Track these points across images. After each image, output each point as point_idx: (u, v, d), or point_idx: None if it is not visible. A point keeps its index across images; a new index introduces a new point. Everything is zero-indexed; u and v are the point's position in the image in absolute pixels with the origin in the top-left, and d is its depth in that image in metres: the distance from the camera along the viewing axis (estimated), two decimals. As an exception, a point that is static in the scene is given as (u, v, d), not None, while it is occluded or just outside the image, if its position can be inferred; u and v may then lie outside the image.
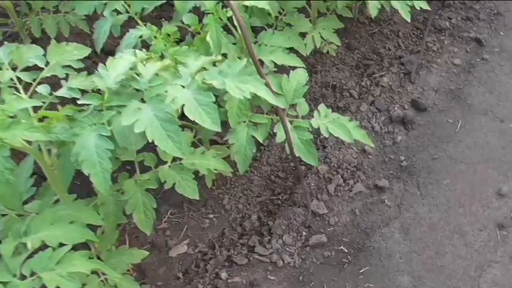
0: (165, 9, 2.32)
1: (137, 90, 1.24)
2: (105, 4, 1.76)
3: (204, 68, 1.25)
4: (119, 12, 1.74)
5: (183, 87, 1.15)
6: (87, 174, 1.13)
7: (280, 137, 1.56)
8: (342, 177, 1.99)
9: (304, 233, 1.82)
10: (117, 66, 1.29)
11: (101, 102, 1.25)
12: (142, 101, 1.17)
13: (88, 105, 1.28)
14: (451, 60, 2.49)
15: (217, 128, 1.11)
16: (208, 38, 1.44)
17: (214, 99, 1.11)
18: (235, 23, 1.48)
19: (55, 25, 2.26)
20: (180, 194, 1.91)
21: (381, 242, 1.82)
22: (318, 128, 1.59)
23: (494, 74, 2.45)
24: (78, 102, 1.29)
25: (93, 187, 1.53)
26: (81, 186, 1.88)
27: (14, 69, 1.43)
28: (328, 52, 2.39)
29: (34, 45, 1.53)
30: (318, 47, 2.29)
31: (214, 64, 1.32)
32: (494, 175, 2.02)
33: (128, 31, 1.66)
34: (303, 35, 2.13)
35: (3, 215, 1.35)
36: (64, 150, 1.24)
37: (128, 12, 1.75)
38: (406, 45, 2.59)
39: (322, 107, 1.66)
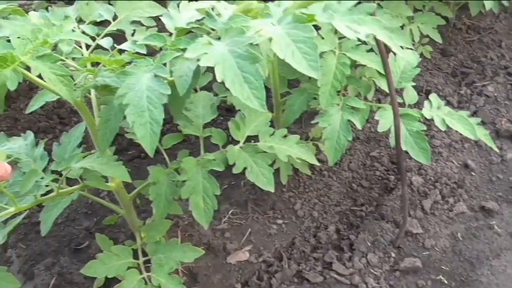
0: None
1: (213, 30, 0.97)
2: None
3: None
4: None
5: (273, 25, 0.85)
6: (130, 124, 0.84)
7: (384, 125, 1.24)
8: (440, 193, 1.64)
9: (393, 254, 1.47)
10: (192, 7, 1.03)
11: (165, 44, 0.98)
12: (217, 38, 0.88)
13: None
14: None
15: (316, 74, 0.78)
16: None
17: (314, 33, 0.79)
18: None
19: None
20: (244, 191, 1.64)
21: (490, 277, 1.44)
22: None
23: None
24: (138, 43, 1.04)
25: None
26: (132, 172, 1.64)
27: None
28: (421, 54, 2.10)
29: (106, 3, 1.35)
30: (416, 46, 2.01)
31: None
32: None
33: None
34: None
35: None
36: (110, 99, 0.97)
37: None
38: (511, 56, 2.24)
39: (433, 96, 1.35)
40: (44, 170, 1.16)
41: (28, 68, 0.91)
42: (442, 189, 1.66)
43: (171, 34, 1.02)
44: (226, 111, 1.84)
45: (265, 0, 0.95)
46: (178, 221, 1.50)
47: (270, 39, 0.78)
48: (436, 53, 2.24)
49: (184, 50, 0.94)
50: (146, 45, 1.06)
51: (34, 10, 2.28)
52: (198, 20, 0.99)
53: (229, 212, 1.58)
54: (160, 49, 0.99)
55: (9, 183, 1.06)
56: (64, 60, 1.05)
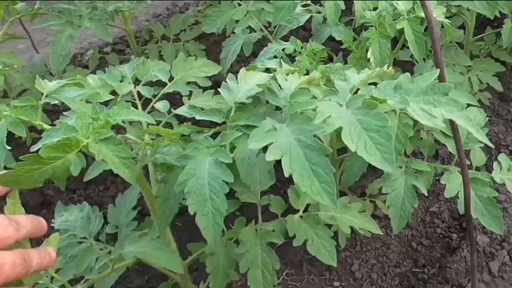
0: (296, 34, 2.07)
1: (275, 108, 0.93)
2: (238, 21, 1.54)
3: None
4: (252, 30, 1.51)
5: (340, 105, 0.80)
6: (192, 213, 0.81)
7: (452, 190, 1.17)
8: (508, 253, 1.53)
9: (460, 323, 1.38)
10: (252, 78, 1.00)
11: (225, 120, 0.96)
12: (281, 121, 0.84)
13: (209, 126, 1.00)
14: None
15: (391, 168, 0.71)
16: (369, 55, 1.12)
17: (388, 123, 0.73)
18: (407, 37, 1.16)
19: (173, 53, 2.17)
20: (298, 250, 1.58)
21: None
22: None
23: None
24: (197, 117, 1.02)
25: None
26: (181, 226, 1.61)
27: (137, 84, 1.24)
28: (479, 101, 2.02)
29: (161, 61, 1.35)
30: (475, 92, 1.93)
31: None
32: None
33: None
34: (457, 75, 1.78)
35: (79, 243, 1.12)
36: (170, 177, 0.94)
37: (261, 30, 1.51)
38: None
39: (503, 157, 1.26)
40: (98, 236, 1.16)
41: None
42: (510, 249, 1.54)
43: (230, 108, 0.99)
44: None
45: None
46: (232, 282, 1.46)
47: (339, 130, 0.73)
48: (494, 98, 2.14)
49: (244, 126, 0.92)
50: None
51: (87, 61, 2.34)
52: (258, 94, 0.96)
53: (284, 273, 1.52)
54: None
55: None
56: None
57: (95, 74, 1.22)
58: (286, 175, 0.70)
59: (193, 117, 1.08)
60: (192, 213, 0.79)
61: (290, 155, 0.72)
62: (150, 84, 1.23)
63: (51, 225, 1.19)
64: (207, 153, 0.84)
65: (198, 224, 0.78)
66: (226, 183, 0.79)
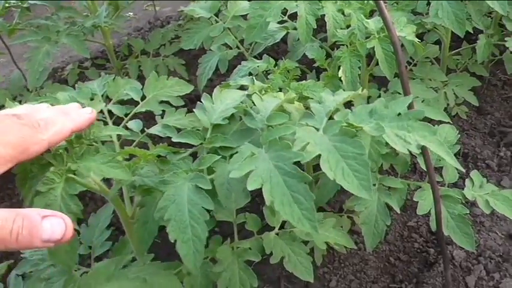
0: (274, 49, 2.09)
1: (250, 129, 0.94)
2: (213, 38, 1.54)
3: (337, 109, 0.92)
4: (228, 47, 1.52)
5: (317, 129, 0.81)
6: (172, 241, 0.81)
7: (424, 207, 1.19)
8: (484, 268, 1.55)
9: (436, 338, 1.38)
10: (227, 98, 1.01)
11: (202, 142, 0.96)
12: (258, 144, 0.85)
13: (184, 147, 1.00)
14: None
15: (368, 195, 0.73)
16: (340, 73, 1.14)
17: (365, 151, 0.74)
18: (377, 56, 1.18)
19: (153, 68, 2.19)
20: (276, 267, 1.58)
21: None
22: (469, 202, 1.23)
23: None
24: (173, 140, 1.02)
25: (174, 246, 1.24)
26: (160, 243, 1.60)
27: (108, 102, 1.23)
28: (456, 115, 2.05)
29: (132, 79, 1.34)
30: (451, 107, 1.96)
31: (346, 106, 1.00)
32: None
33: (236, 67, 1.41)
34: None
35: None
36: (148, 200, 0.94)
37: (238, 47, 1.52)
38: (554, 111, 2.17)
39: (475, 174, 1.28)
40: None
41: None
42: (486, 263, 1.56)
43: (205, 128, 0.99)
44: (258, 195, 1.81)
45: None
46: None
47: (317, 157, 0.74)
48: (471, 112, 2.18)
49: (221, 148, 0.92)
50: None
51: (67, 76, 2.32)
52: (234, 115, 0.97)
53: (262, 290, 1.53)
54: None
55: None
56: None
57: (74, 89, 1.22)
58: (268, 203, 0.71)
59: (167, 136, 1.08)
60: (172, 241, 0.79)
61: (270, 183, 0.73)
62: (121, 102, 1.22)
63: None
64: (186, 178, 0.84)
65: (178, 251, 0.78)
66: (207, 210, 0.79)
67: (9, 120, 0.73)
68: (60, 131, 0.78)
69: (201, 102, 1.04)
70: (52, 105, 0.90)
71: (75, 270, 1.12)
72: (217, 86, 1.05)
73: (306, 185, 0.73)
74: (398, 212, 1.28)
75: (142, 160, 0.97)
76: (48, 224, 0.69)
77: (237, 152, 0.80)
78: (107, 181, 1.00)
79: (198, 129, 1.00)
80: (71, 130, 0.81)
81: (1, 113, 0.78)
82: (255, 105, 0.96)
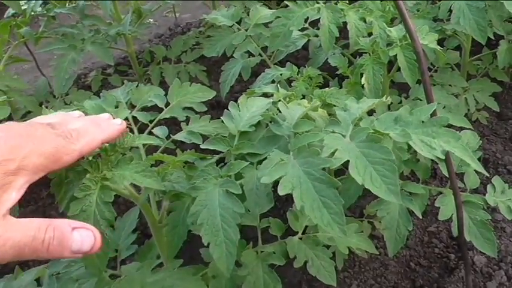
0: (294, 56, 2.11)
1: (276, 136, 0.96)
2: (236, 46, 1.57)
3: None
4: (250, 54, 1.55)
5: (343, 136, 0.83)
6: (205, 244, 0.83)
7: (446, 213, 1.20)
8: (505, 274, 1.55)
9: None
10: (253, 105, 1.03)
11: (229, 149, 0.99)
12: (286, 151, 0.87)
13: (211, 153, 1.03)
14: None
15: (395, 199, 0.75)
16: (363, 81, 1.15)
17: (392, 156, 0.76)
18: (400, 64, 1.20)
19: (175, 74, 2.20)
20: (297, 270, 1.60)
21: None
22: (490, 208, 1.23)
23: None
24: (201, 147, 1.04)
25: (198, 250, 1.26)
26: (183, 248, 1.63)
27: (132, 109, 1.25)
28: (477, 120, 2.05)
29: (155, 86, 1.36)
30: (472, 112, 1.96)
31: (369, 113, 1.02)
32: None
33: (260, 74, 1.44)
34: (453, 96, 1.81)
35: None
36: (178, 205, 0.97)
37: (260, 55, 1.55)
38: None
39: (497, 179, 1.29)
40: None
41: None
42: (507, 269, 1.57)
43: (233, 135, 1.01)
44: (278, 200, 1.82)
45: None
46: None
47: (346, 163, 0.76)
48: (492, 117, 2.17)
49: (248, 154, 0.94)
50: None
51: (90, 83, 2.37)
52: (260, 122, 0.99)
53: (283, 294, 1.54)
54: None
55: None
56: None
57: (98, 95, 1.25)
58: (298, 208, 0.74)
59: (193, 143, 1.11)
60: (205, 244, 0.82)
61: (300, 188, 0.75)
62: (145, 109, 1.24)
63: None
64: (216, 184, 0.86)
65: (211, 253, 0.81)
66: (238, 213, 0.82)
67: (43, 129, 0.75)
68: (92, 142, 0.80)
69: (224, 108, 1.06)
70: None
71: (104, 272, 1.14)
72: (243, 94, 1.08)
73: (335, 190, 0.75)
74: (420, 217, 1.29)
75: (170, 166, 0.99)
76: (78, 236, 0.71)
77: (265, 159, 0.82)
78: (134, 185, 1.03)
79: (225, 136, 1.02)
80: (101, 141, 0.83)
81: (35, 121, 0.80)
82: (280, 112, 0.98)
